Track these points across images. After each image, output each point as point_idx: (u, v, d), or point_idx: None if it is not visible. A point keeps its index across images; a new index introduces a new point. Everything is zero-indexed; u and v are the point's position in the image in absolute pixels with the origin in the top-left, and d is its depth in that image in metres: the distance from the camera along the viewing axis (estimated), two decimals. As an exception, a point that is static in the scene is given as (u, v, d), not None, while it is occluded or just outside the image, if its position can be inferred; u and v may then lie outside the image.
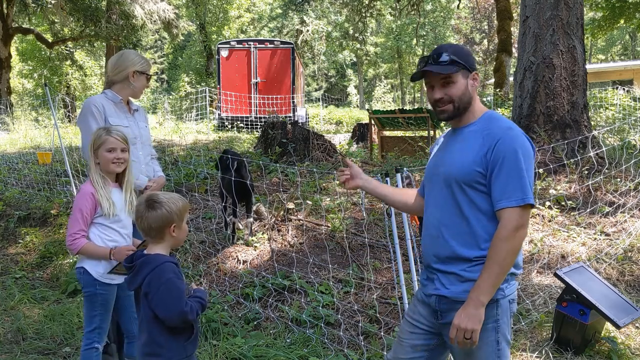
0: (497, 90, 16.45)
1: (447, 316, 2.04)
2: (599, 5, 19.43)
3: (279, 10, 38.05)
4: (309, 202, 5.91)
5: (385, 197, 2.38)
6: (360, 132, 12.69)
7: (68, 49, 24.05)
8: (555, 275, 3.51)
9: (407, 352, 2.17)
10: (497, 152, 1.95)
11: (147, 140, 3.40)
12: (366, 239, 4.86)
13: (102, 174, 2.75)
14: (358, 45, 37.00)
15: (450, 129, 2.25)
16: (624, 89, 14.66)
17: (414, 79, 2.16)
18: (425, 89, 2.17)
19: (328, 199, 6.12)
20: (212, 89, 19.54)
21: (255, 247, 5.15)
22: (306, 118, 18.37)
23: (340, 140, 13.48)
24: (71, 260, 5.44)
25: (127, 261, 2.22)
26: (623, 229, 5.01)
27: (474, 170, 1.98)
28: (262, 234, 5.38)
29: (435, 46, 2.16)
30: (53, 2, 18.67)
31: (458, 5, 24.51)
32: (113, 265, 2.72)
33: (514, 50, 17.26)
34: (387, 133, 11.41)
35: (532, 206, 1.96)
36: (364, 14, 26.07)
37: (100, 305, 2.75)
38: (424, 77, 2.12)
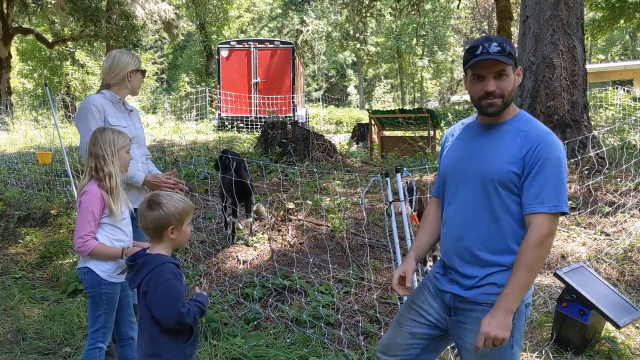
0: (497, 90, 16.43)
1: (460, 315, 2.01)
2: (599, 5, 19.44)
3: (279, 10, 38.03)
4: (309, 202, 5.91)
5: (431, 242, 2.24)
6: (360, 132, 12.70)
7: (68, 49, 24.05)
8: (555, 275, 3.51)
9: (405, 338, 2.13)
10: (538, 154, 1.87)
11: (143, 141, 3.47)
12: (366, 239, 4.86)
13: None
14: (358, 45, 36.98)
15: (471, 120, 2.14)
16: (624, 89, 14.66)
17: (472, 64, 1.94)
18: (469, 80, 2.01)
19: (328, 199, 6.12)
20: (212, 89, 19.54)
21: (255, 247, 5.14)
22: (306, 118, 18.36)
23: (340, 140, 13.47)
24: (71, 260, 5.44)
25: (129, 260, 2.22)
26: (623, 229, 5.01)
27: (510, 171, 1.90)
28: (262, 234, 5.38)
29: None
30: (53, 2, 18.67)
31: (458, 5, 24.54)
32: (121, 264, 2.72)
33: (514, 50, 17.23)
34: (387, 133, 11.42)
35: (564, 214, 1.88)
36: (364, 14, 26.07)
37: (105, 304, 2.74)
38: (471, 68, 1.95)
